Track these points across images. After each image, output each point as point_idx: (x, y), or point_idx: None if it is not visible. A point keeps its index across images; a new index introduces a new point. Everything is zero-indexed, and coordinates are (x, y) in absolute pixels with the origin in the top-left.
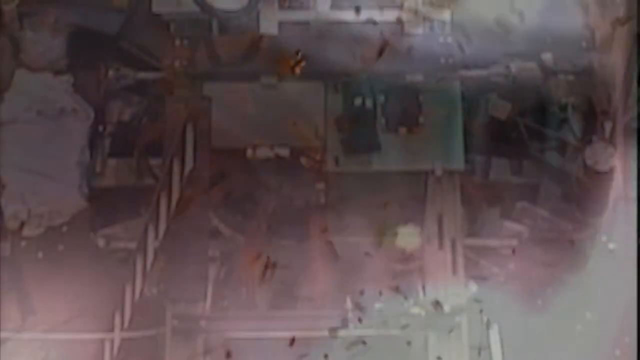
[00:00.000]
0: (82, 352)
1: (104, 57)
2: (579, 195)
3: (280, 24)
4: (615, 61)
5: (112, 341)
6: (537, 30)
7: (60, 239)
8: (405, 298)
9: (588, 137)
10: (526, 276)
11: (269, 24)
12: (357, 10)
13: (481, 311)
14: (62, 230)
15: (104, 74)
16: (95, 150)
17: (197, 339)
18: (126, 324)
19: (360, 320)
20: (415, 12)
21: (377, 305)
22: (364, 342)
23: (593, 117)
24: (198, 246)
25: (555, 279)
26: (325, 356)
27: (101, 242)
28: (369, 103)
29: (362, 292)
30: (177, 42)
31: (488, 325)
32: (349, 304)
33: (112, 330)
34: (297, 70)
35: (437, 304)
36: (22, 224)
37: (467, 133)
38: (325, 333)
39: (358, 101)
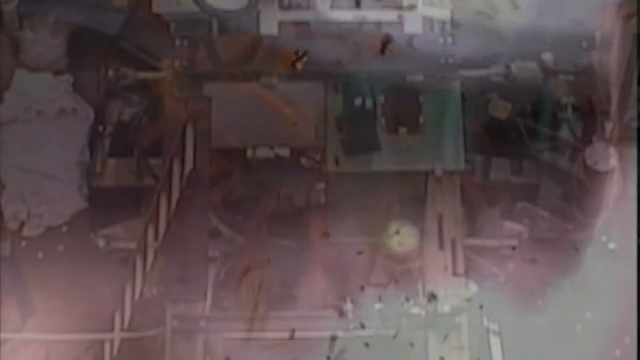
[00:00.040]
0: (82, 352)
1: (104, 57)
2: (579, 195)
3: (280, 24)
4: (615, 61)
5: (112, 341)
6: (537, 30)
7: (60, 239)
8: (407, 300)
9: (588, 137)
10: (526, 276)
11: (269, 24)
12: (358, 3)
13: (481, 306)
14: (62, 230)
15: (104, 74)
16: (95, 150)
17: (197, 339)
18: (126, 324)
19: (363, 326)
20: (415, 12)
21: (377, 306)
22: (366, 345)
23: (593, 117)
24: (198, 246)
25: (555, 279)
26: (328, 358)
27: (101, 242)
28: (369, 103)
29: (361, 293)
30: (177, 42)
31: (488, 326)
32: (348, 304)
33: (112, 330)
34: (299, 65)
35: (432, 296)
36: (22, 224)
37: (467, 133)
38: (325, 333)
39: (358, 101)
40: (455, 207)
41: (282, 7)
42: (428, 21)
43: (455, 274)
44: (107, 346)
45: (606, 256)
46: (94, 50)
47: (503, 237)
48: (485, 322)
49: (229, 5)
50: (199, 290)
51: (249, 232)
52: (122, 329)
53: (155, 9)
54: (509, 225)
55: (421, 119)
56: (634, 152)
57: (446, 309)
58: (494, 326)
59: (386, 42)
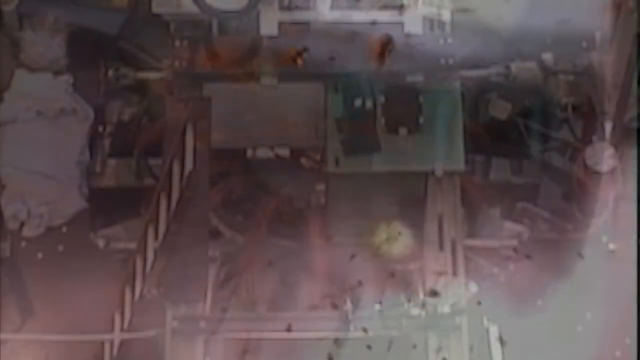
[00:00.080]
0: (82, 353)
1: (104, 57)
2: (579, 195)
3: (280, 25)
4: (615, 61)
5: (112, 342)
6: (537, 30)
7: (60, 239)
8: (409, 301)
9: (588, 137)
10: (526, 276)
11: (269, 24)
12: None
13: (479, 303)
14: (62, 230)
15: (104, 74)
16: (95, 150)
17: (197, 340)
18: (126, 325)
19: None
20: (415, 12)
21: (377, 307)
22: (369, 347)
23: (593, 117)
24: (198, 247)
25: (555, 279)
26: (330, 358)
27: (101, 243)
28: (369, 103)
29: (361, 293)
30: (177, 42)
31: (488, 326)
32: (348, 305)
33: (111, 331)
34: (299, 61)
35: (433, 293)
36: (22, 224)
37: (467, 133)
38: (325, 334)
39: (358, 102)
40: (455, 208)
41: (282, 7)
42: (428, 21)
43: (455, 274)
44: (107, 347)
45: (606, 256)
46: (94, 50)
47: (503, 237)
48: (485, 322)
49: (228, 6)
50: (199, 290)
51: (249, 232)
52: (122, 330)
53: (155, 9)
54: (509, 225)
55: (421, 119)
56: (634, 152)
57: (446, 309)
58: (494, 326)
59: (386, 45)
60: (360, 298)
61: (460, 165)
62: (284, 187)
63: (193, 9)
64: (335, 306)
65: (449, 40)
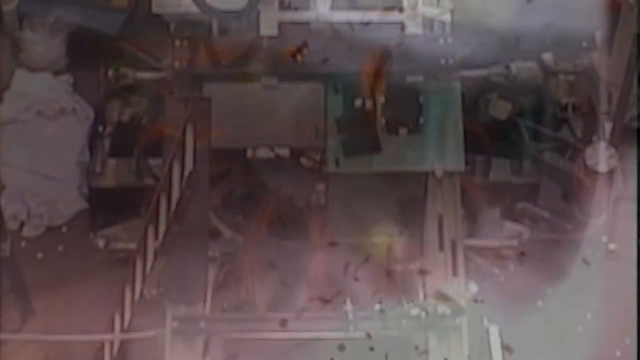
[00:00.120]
0: (81, 353)
1: (104, 57)
2: (579, 195)
3: (280, 25)
4: (615, 61)
5: (111, 342)
6: (537, 30)
7: (60, 239)
8: (411, 302)
9: (588, 138)
10: (526, 277)
11: (269, 24)
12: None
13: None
14: (62, 230)
15: (104, 74)
16: (95, 150)
17: (197, 340)
18: (126, 325)
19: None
20: (416, 12)
21: (377, 307)
22: (371, 349)
23: (593, 117)
24: (198, 247)
25: (555, 279)
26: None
27: (101, 243)
28: (369, 104)
29: (361, 294)
30: (177, 42)
31: (488, 326)
32: (348, 305)
33: (111, 331)
34: (299, 57)
35: (441, 295)
36: (22, 224)
37: (467, 133)
38: (325, 334)
39: (358, 102)
40: (455, 208)
41: (282, 7)
42: (428, 21)
43: (455, 275)
44: (106, 347)
45: (606, 256)
46: (94, 50)
47: (503, 237)
48: (486, 322)
49: (228, 6)
50: (199, 291)
51: (249, 232)
52: (121, 330)
53: (155, 9)
54: (509, 225)
55: (421, 120)
56: (634, 152)
57: (446, 310)
58: (494, 327)
59: (383, 62)
60: (360, 298)
61: (461, 166)
62: (284, 187)
63: (193, 9)
64: (335, 306)
65: (449, 40)
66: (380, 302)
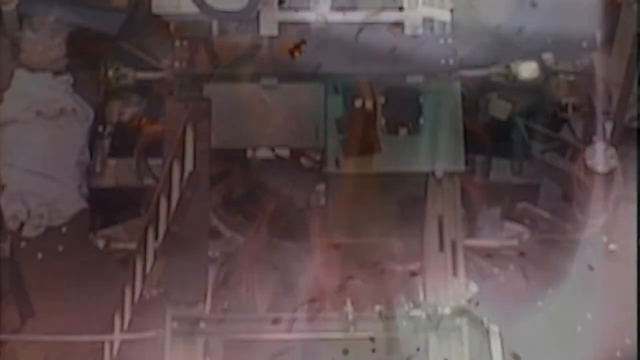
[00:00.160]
0: (81, 354)
1: (104, 57)
2: (579, 195)
3: (280, 25)
4: (615, 61)
5: (111, 343)
6: (537, 30)
7: (60, 239)
8: (413, 303)
9: (588, 138)
10: (526, 277)
11: (269, 24)
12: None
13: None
14: (62, 230)
15: (104, 74)
16: (95, 150)
17: (197, 341)
18: (126, 326)
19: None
20: (415, 12)
21: (377, 308)
22: (373, 350)
23: (593, 117)
24: (198, 247)
25: (555, 279)
26: None
27: (101, 243)
28: (369, 104)
29: (361, 294)
30: (177, 42)
31: (488, 327)
32: (348, 306)
33: (111, 332)
34: (297, 54)
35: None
36: (22, 225)
37: (467, 133)
38: (325, 335)
39: (358, 102)
40: (455, 208)
41: (282, 7)
42: (428, 22)
43: (455, 275)
44: (106, 348)
45: (606, 257)
46: (94, 50)
47: (503, 237)
48: (486, 323)
49: (228, 6)
50: (199, 291)
51: (249, 232)
52: (121, 331)
53: (155, 9)
54: (510, 226)
55: (421, 120)
56: (634, 152)
57: (446, 310)
58: (494, 327)
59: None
60: (360, 299)
61: (461, 166)
62: (284, 187)
63: (193, 9)
64: (335, 307)
65: (449, 40)
66: (380, 303)
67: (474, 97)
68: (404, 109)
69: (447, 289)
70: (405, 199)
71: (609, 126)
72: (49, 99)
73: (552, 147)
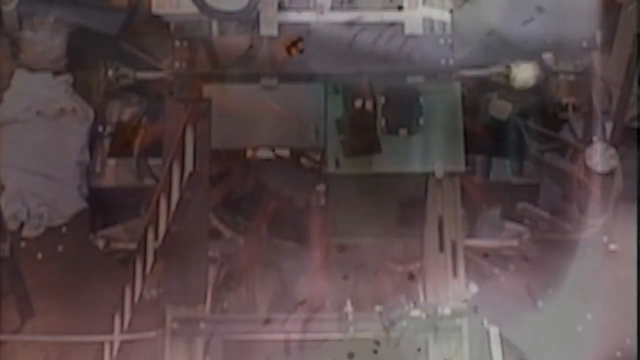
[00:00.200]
0: (81, 354)
1: (104, 57)
2: (579, 196)
3: (280, 25)
4: (615, 61)
5: (111, 343)
6: (537, 30)
7: (60, 239)
8: (414, 303)
9: (588, 138)
10: (526, 277)
11: (269, 24)
12: None
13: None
14: (62, 231)
15: (103, 74)
16: (95, 151)
17: (197, 341)
18: (126, 326)
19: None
20: (415, 12)
21: (377, 308)
22: (375, 352)
23: (593, 117)
24: (198, 248)
25: (555, 280)
26: None
27: (101, 243)
28: (369, 105)
29: (361, 294)
30: (177, 42)
31: (488, 327)
32: (348, 306)
33: (111, 332)
34: (294, 51)
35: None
36: (22, 225)
37: (467, 133)
38: (325, 335)
39: (358, 103)
40: (455, 209)
41: (282, 7)
42: (428, 22)
43: (455, 275)
44: (106, 348)
45: (607, 257)
46: (94, 50)
47: (503, 238)
48: (486, 323)
49: (228, 6)
50: (199, 291)
51: (249, 232)
52: (121, 331)
53: (155, 9)
54: (510, 226)
55: (421, 120)
56: (634, 152)
57: (447, 311)
58: (494, 328)
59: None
60: (360, 299)
61: (461, 166)
62: (284, 188)
63: (193, 9)
64: (335, 308)
65: (449, 40)
66: (380, 304)
67: (474, 98)
68: (404, 109)
69: (447, 290)
70: (405, 200)
71: (609, 126)
72: (49, 99)
73: (552, 147)
